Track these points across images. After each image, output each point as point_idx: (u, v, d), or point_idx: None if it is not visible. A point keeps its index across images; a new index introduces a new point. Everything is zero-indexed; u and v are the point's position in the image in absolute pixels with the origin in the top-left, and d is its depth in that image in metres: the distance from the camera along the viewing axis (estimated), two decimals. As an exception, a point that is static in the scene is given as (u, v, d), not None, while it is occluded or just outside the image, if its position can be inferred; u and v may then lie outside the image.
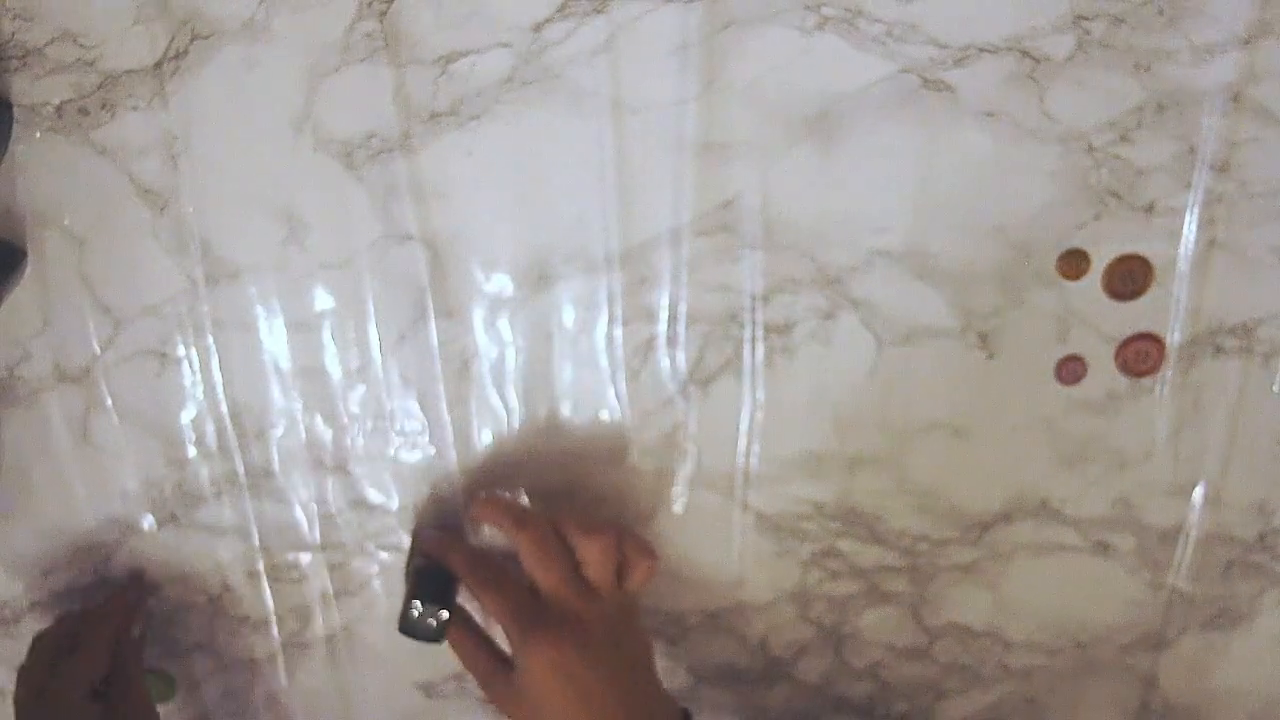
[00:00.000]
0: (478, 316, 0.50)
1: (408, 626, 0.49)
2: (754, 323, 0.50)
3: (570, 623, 0.47)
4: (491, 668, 0.49)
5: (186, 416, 0.53)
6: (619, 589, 0.49)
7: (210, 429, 0.53)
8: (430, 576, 0.51)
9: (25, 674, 0.52)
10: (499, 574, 0.50)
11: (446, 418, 0.52)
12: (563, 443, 0.53)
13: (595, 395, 0.51)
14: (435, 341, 0.51)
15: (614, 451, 0.52)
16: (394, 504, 0.54)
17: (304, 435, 0.53)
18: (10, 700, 0.60)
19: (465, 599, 0.53)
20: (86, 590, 0.57)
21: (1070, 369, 0.50)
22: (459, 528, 0.54)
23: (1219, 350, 0.49)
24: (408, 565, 0.55)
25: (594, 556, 0.48)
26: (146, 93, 0.47)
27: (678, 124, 0.46)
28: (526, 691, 0.47)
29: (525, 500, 0.53)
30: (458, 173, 0.48)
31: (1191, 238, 0.47)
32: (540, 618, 0.47)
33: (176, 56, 0.47)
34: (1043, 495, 0.52)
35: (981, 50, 0.44)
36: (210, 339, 0.51)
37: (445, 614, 0.49)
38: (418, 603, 0.49)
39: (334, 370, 0.52)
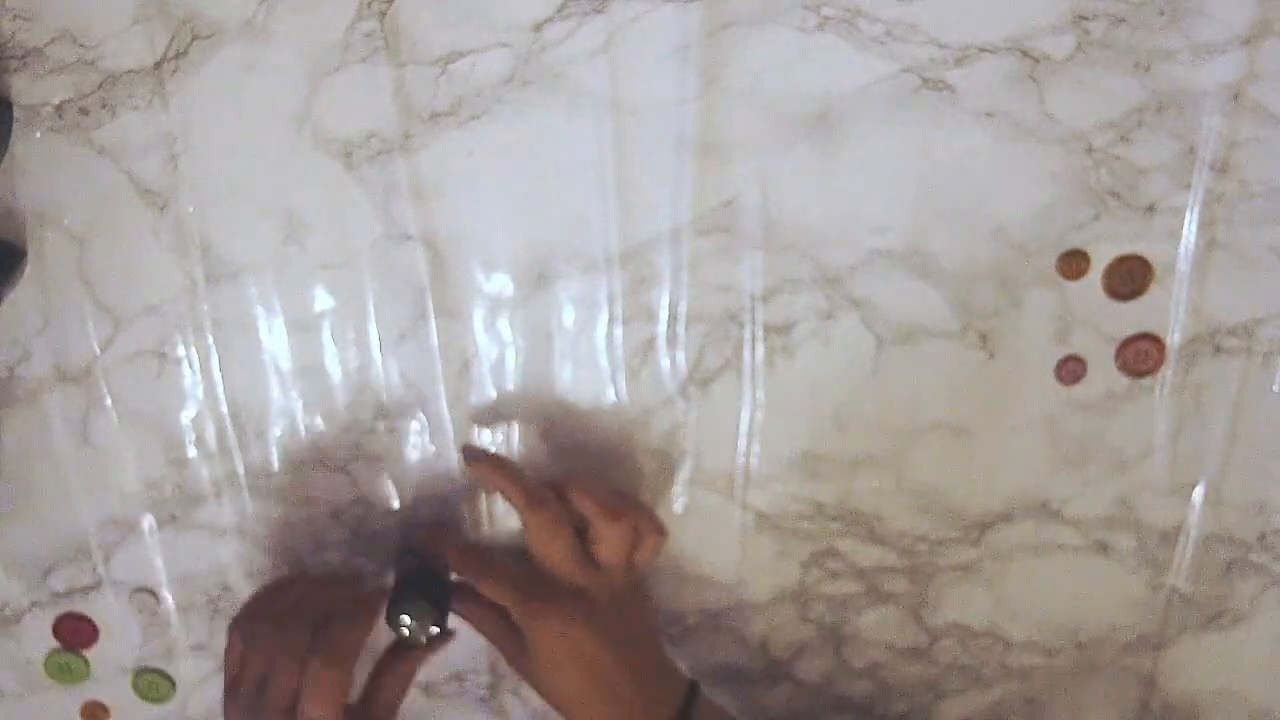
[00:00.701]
0: (478, 316, 0.50)
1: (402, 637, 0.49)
2: (754, 323, 0.49)
3: (574, 596, 0.47)
4: (506, 637, 0.50)
5: (186, 416, 0.53)
6: (627, 566, 0.49)
7: (210, 429, 0.53)
8: (417, 582, 0.51)
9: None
10: (491, 560, 0.50)
11: (446, 418, 0.52)
12: (563, 440, 0.53)
13: (595, 395, 0.51)
14: (435, 341, 0.51)
15: (615, 448, 0.52)
16: (394, 504, 0.54)
17: (304, 435, 0.53)
18: (10, 699, 0.60)
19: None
20: (89, 590, 0.57)
21: (1070, 369, 0.50)
22: (446, 523, 0.54)
23: (1219, 350, 0.49)
24: (396, 572, 0.54)
25: (612, 539, 0.48)
26: (146, 93, 0.47)
27: (678, 124, 0.46)
28: (536, 662, 0.48)
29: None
30: (458, 173, 0.48)
31: (1191, 238, 0.47)
32: (541, 592, 0.47)
33: (176, 56, 0.47)
34: (1043, 495, 0.52)
35: (981, 50, 0.44)
36: (210, 339, 0.51)
37: (432, 622, 0.49)
38: (406, 617, 0.49)
39: (334, 370, 0.52)
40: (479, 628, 0.51)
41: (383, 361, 0.51)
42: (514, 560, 0.50)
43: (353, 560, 0.56)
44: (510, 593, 0.48)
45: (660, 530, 0.50)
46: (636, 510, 0.50)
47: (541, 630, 0.47)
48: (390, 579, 0.54)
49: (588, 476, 0.51)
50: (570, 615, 0.47)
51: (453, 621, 0.51)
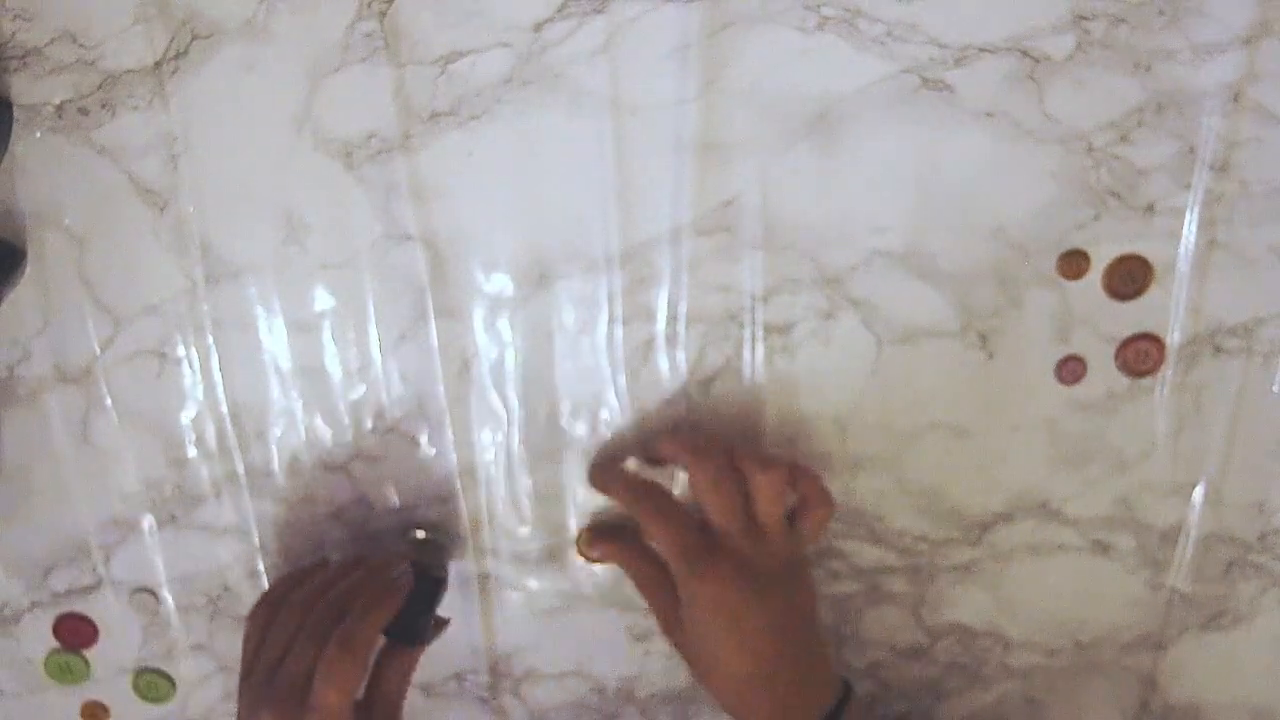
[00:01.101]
0: (478, 316, 0.50)
1: (401, 632, 0.49)
2: (754, 323, 0.50)
3: (736, 563, 0.45)
4: (661, 598, 0.48)
5: (186, 416, 0.53)
6: (791, 533, 0.48)
7: (210, 429, 0.53)
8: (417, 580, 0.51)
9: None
10: (670, 507, 0.48)
11: (446, 418, 0.52)
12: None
13: (595, 395, 0.51)
14: (435, 341, 0.51)
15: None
16: (394, 504, 0.54)
17: (304, 435, 0.53)
18: (10, 699, 0.60)
19: (448, 605, 0.53)
20: (89, 590, 0.57)
21: (1070, 369, 0.50)
22: (617, 460, 0.53)
23: (1219, 350, 0.49)
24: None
25: (764, 491, 0.46)
26: (146, 93, 0.47)
27: (678, 124, 0.46)
28: (690, 626, 0.46)
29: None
30: (458, 173, 0.48)
31: (1191, 238, 0.47)
32: (707, 555, 0.46)
33: (176, 56, 0.47)
34: (1043, 495, 0.52)
35: (981, 50, 0.44)
36: (210, 339, 0.51)
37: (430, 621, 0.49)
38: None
39: (334, 370, 0.52)
40: (640, 586, 0.49)
41: (383, 361, 0.51)
42: (691, 515, 0.48)
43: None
44: (678, 548, 0.46)
45: (828, 501, 0.48)
46: (801, 473, 0.48)
47: (699, 594, 0.45)
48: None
49: (750, 441, 0.51)
50: (728, 581, 0.45)
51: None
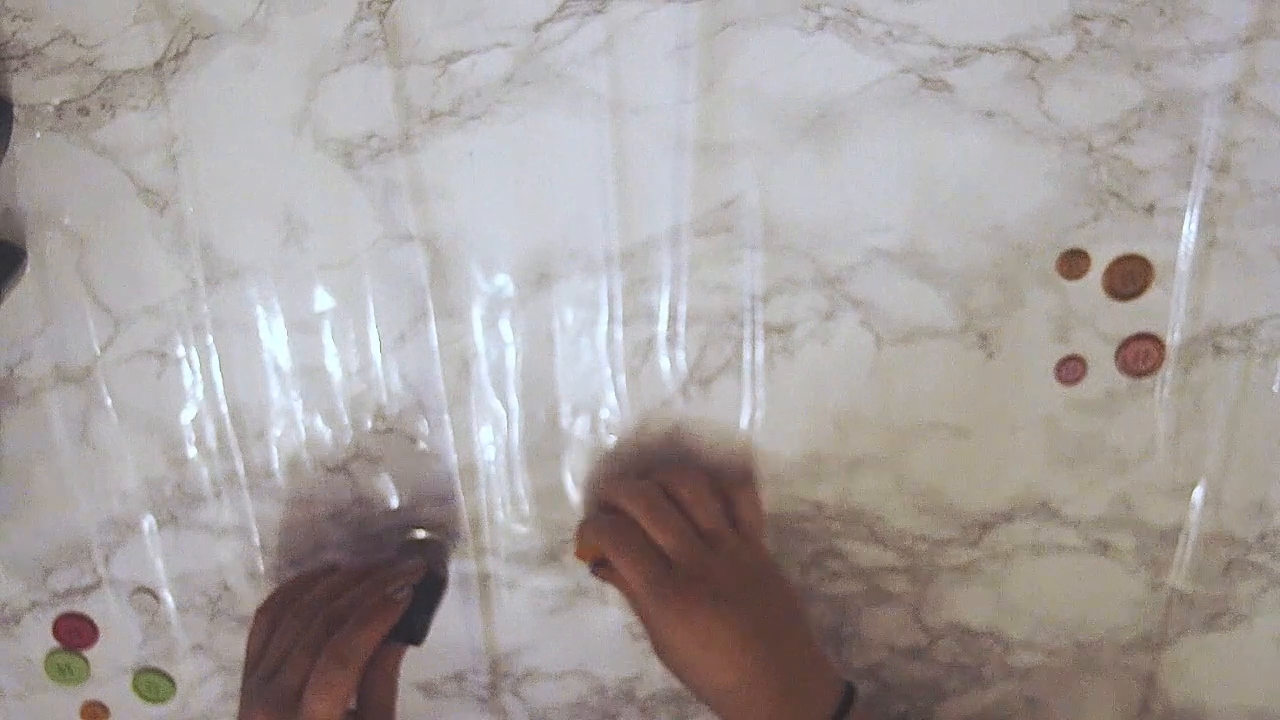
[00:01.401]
0: (478, 316, 0.50)
1: (401, 633, 0.49)
2: (754, 323, 0.50)
3: (695, 580, 0.46)
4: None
5: (186, 416, 0.53)
6: (739, 533, 0.48)
7: (210, 429, 0.53)
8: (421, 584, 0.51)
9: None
10: (638, 545, 0.48)
11: (446, 418, 0.52)
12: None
13: (595, 395, 0.51)
14: (435, 341, 0.51)
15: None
16: (394, 504, 0.54)
17: (304, 435, 0.53)
18: (10, 699, 0.60)
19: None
20: (89, 590, 0.57)
21: (1070, 369, 0.50)
22: (598, 514, 0.53)
23: (1219, 350, 0.49)
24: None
25: (693, 504, 0.48)
26: (146, 93, 0.47)
27: (678, 124, 0.46)
28: (673, 650, 0.47)
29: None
30: (458, 173, 0.48)
31: (1191, 238, 0.47)
32: (666, 581, 0.46)
33: (176, 56, 0.47)
34: (1043, 495, 0.52)
35: (981, 50, 0.44)
36: (210, 339, 0.51)
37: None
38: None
39: (334, 370, 0.52)
40: (635, 612, 0.50)
41: (383, 362, 0.51)
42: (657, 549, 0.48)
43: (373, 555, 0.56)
44: (641, 583, 0.47)
45: (745, 480, 0.49)
46: (717, 471, 0.48)
47: (666, 621, 0.46)
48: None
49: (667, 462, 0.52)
50: (690, 601, 0.45)
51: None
